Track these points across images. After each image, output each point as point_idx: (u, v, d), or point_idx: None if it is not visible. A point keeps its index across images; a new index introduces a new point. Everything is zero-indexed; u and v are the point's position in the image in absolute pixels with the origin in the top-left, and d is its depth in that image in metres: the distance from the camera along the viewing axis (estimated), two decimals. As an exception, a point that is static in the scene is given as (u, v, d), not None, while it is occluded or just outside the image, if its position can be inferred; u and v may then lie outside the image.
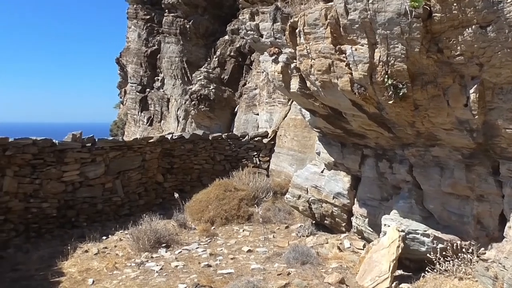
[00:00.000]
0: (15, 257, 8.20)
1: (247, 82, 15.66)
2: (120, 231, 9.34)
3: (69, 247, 8.12)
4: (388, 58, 5.29)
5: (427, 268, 6.04)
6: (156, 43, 18.94)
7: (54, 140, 9.80)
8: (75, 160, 10.03)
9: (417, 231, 6.40)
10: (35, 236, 9.37)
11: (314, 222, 9.13)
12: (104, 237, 9.03)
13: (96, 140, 10.45)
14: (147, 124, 19.17)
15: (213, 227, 9.53)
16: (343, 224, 8.39)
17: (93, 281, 6.84)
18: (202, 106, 16.15)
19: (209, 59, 16.89)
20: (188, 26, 17.18)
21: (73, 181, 10.01)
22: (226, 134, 13.13)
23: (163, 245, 8.30)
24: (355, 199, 8.03)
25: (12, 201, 9.16)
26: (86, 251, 8.19)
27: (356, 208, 7.95)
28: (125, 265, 7.48)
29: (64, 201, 9.90)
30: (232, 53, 16.28)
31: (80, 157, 10.10)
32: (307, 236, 8.68)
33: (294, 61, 7.04)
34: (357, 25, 5.42)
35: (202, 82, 16.23)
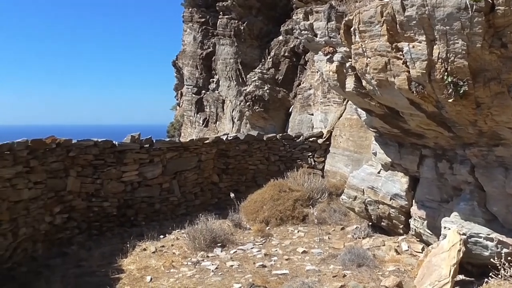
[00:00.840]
0: (78, 253, 8.54)
1: (301, 82, 15.59)
2: (177, 230, 9.51)
3: (128, 245, 8.37)
4: (448, 54, 5.10)
5: (490, 274, 5.76)
6: (211, 45, 19.22)
7: (114, 142, 10.15)
8: (134, 160, 10.34)
9: (480, 235, 6.12)
10: (97, 234, 9.75)
11: (370, 223, 8.95)
12: (162, 236, 9.25)
13: (154, 141, 10.72)
14: (203, 125, 19.49)
15: (267, 228, 9.54)
16: (401, 226, 8.17)
17: (151, 279, 7.01)
18: (257, 107, 16.23)
19: (263, 60, 16.95)
20: (242, 28, 17.31)
21: (132, 181, 10.33)
22: (280, 134, 13.12)
23: (219, 244, 8.40)
24: (413, 200, 7.79)
25: (76, 200, 9.56)
26: (145, 249, 8.41)
27: (414, 210, 7.71)
28: (181, 264, 7.62)
29: (124, 201, 10.22)
30: (286, 54, 16.25)
31: (138, 157, 10.40)
32: (363, 238, 8.52)
33: (349, 60, 6.93)
34: (414, 22, 5.26)
35: (257, 83, 16.32)
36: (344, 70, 7.32)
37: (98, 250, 8.61)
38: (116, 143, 10.18)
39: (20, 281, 7.17)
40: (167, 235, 9.38)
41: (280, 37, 16.55)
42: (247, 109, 16.58)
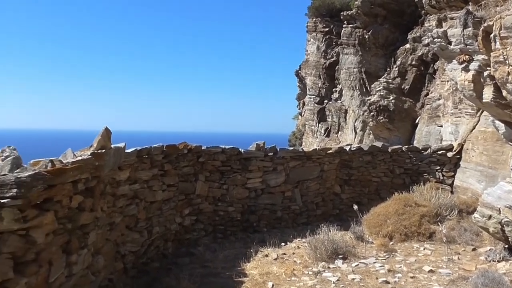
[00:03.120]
0: (204, 255, 8.93)
1: (429, 92, 14.85)
2: (298, 239, 9.55)
3: (251, 250, 8.57)
4: None
5: None
6: (335, 54, 19.16)
7: (240, 149, 10.53)
8: (258, 168, 10.61)
9: None
10: (221, 237, 10.14)
11: (506, 246, 8.20)
12: (283, 244, 9.33)
13: (278, 149, 10.93)
14: (324, 135, 19.44)
15: (391, 243, 9.19)
16: (544, 251, 7.39)
17: (273, 285, 7.10)
18: (381, 118, 15.79)
19: (388, 69, 16.48)
20: (367, 37, 17.01)
21: (255, 188, 10.61)
22: (406, 146, 12.59)
23: (340, 256, 8.27)
24: (561, 224, 7.01)
25: (203, 204, 10.06)
26: (266, 256, 8.55)
27: (561, 234, 6.94)
28: (302, 273, 7.63)
29: (247, 207, 10.53)
30: (413, 62, 15.62)
31: (262, 165, 10.66)
32: (498, 261, 7.83)
33: (488, 68, 6.47)
34: None
35: (381, 93, 15.89)
36: (482, 80, 6.85)
37: (223, 253, 8.94)
38: (242, 150, 10.54)
39: (152, 275, 7.73)
40: (288, 243, 9.45)
41: (407, 45, 15.96)
42: (370, 120, 16.21)
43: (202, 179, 10.02)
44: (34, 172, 4.24)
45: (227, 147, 10.41)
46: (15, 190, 3.97)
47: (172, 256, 8.86)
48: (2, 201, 3.94)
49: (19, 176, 4.06)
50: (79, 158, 5.22)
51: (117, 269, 7.05)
